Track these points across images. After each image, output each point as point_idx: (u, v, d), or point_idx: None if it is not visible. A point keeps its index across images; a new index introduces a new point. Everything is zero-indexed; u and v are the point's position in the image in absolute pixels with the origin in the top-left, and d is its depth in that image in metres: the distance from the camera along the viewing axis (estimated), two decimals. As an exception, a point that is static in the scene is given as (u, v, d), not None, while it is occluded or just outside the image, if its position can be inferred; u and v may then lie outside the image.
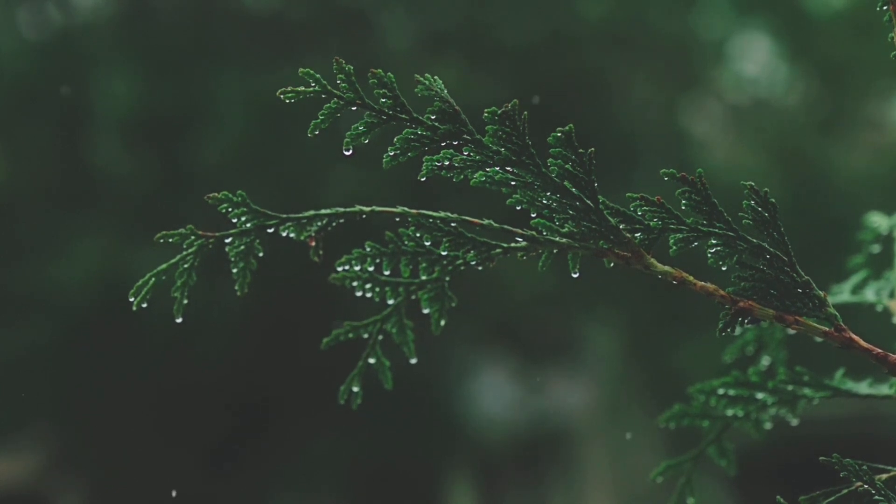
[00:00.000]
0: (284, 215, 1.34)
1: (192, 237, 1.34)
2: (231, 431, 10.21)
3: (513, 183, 1.31)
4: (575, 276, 1.34)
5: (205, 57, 9.76)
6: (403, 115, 1.33)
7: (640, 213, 1.32)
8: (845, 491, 1.29)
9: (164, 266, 1.34)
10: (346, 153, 1.34)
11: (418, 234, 1.34)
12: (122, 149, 9.56)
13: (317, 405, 9.76)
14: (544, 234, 1.32)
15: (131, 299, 1.34)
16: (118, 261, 8.74)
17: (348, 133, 1.33)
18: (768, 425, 1.61)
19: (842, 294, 1.78)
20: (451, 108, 1.32)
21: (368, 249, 1.35)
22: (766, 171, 10.16)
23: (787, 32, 11.06)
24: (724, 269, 1.32)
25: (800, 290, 1.32)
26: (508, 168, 1.32)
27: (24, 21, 10.10)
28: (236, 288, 1.35)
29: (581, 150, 1.30)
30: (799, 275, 1.32)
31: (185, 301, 1.35)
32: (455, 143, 1.32)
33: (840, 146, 11.01)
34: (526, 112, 1.31)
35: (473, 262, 1.35)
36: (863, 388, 1.58)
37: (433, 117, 1.32)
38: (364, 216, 1.34)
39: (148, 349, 9.32)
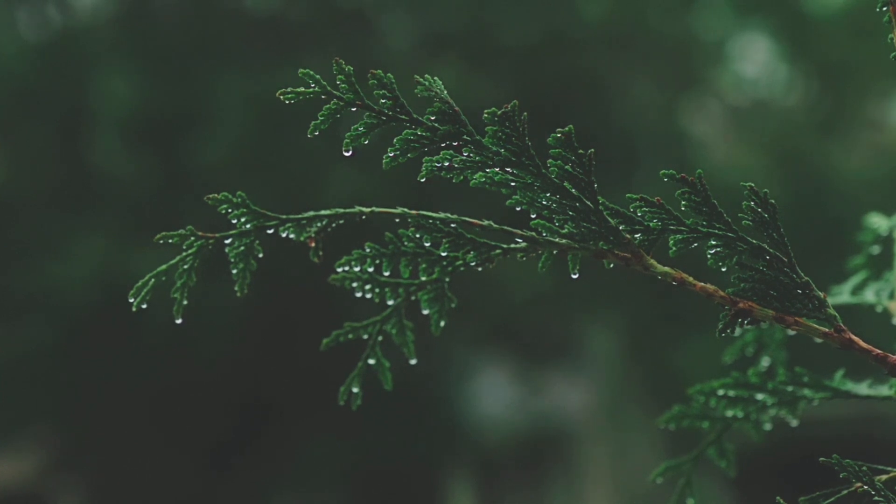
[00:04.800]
0: (284, 216, 1.34)
1: (192, 238, 1.34)
2: (231, 431, 10.22)
3: (512, 184, 1.31)
4: (575, 276, 1.34)
5: (205, 57, 9.76)
6: (403, 116, 1.33)
7: (639, 214, 1.32)
8: (845, 492, 1.29)
9: (163, 267, 1.34)
10: (346, 154, 1.34)
11: (418, 235, 1.34)
12: (122, 149, 9.56)
13: (316, 406, 9.76)
14: (544, 234, 1.32)
15: (131, 300, 1.34)
16: (118, 261, 8.74)
17: (348, 134, 1.33)
18: (768, 426, 1.61)
19: (841, 295, 1.78)
20: (450, 109, 1.32)
21: (368, 250, 1.35)
22: (766, 171, 10.16)
23: (786, 33, 11.07)
24: (723, 269, 1.32)
25: (799, 291, 1.32)
26: (508, 169, 1.32)
27: (24, 21, 10.10)
28: (236, 289, 1.35)
29: (581, 151, 1.30)
30: (799, 275, 1.32)
31: (185, 302, 1.35)
32: (455, 143, 1.32)
33: (840, 146, 11.02)
34: (526, 113, 1.31)
35: (473, 263, 1.35)
36: (863, 389, 1.58)
37: (433, 118, 1.32)
38: (364, 217, 1.34)
39: (148, 349, 9.32)
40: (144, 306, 1.35)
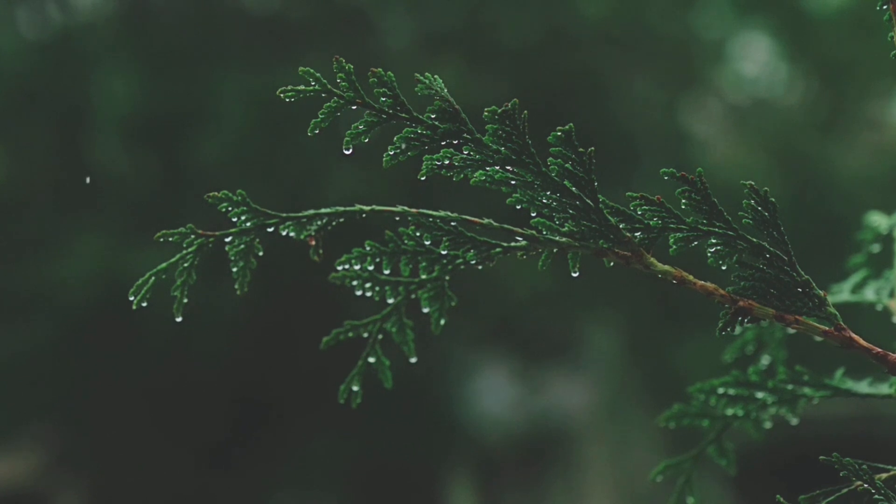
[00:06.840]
0: (284, 214, 1.34)
1: (192, 236, 1.34)
2: (231, 431, 10.22)
3: (513, 182, 1.31)
4: (575, 275, 1.34)
5: (205, 57, 9.76)
6: (403, 114, 1.33)
7: (639, 213, 1.32)
8: (845, 490, 1.29)
9: (163, 265, 1.34)
10: (346, 152, 1.34)
11: (418, 234, 1.34)
12: (122, 149, 9.56)
13: (316, 404, 9.76)
14: (544, 233, 1.32)
15: (131, 298, 1.34)
16: (118, 261, 8.74)
17: (348, 132, 1.33)
18: (768, 425, 1.61)
19: (841, 293, 1.78)
20: (451, 107, 1.32)
21: (368, 248, 1.35)
22: (766, 170, 10.16)
23: (787, 32, 11.06)
24: (723, 268, 1.32)
25: (799, 290, 1.32)
26: (508, 167, 1.32)
27: (24, 21, 10.10)
28: (236, 287, 1.35)
29: (581, 150, 1.30)
30: (799, 274, 1.32)
31: (185, 300, 1.35)
32: (455, 142, 1.32)
33: (840, 146, 11.02)
34: (526, 111, 1.31)
35: (473, 262, 1.35)
36: (863, 387, 1.58)
37: (433, 116, 1.32)
38: (364, 215, 1.34)
39: (148, 349, 9.32)
40: (144, 304, 1.35)
